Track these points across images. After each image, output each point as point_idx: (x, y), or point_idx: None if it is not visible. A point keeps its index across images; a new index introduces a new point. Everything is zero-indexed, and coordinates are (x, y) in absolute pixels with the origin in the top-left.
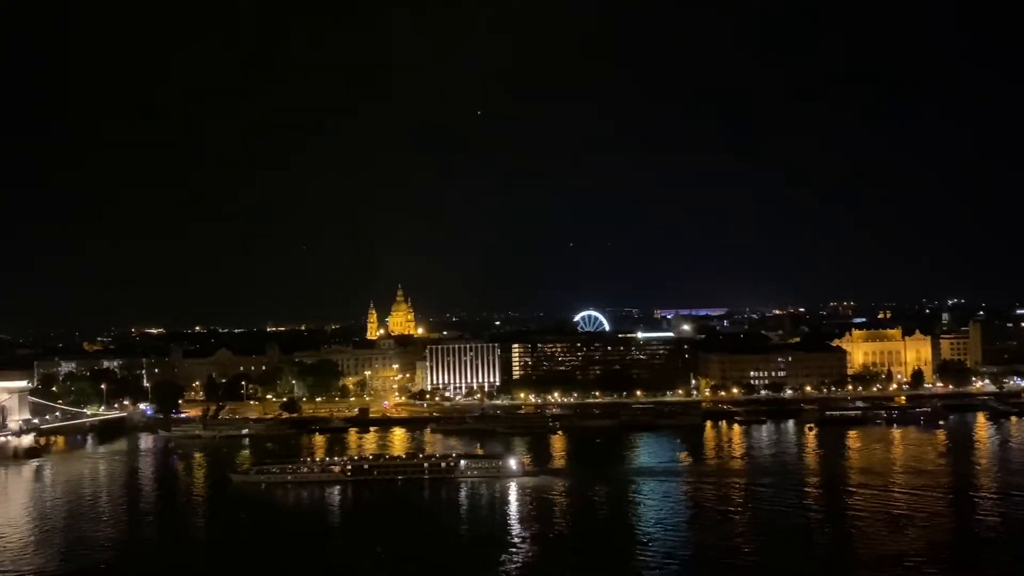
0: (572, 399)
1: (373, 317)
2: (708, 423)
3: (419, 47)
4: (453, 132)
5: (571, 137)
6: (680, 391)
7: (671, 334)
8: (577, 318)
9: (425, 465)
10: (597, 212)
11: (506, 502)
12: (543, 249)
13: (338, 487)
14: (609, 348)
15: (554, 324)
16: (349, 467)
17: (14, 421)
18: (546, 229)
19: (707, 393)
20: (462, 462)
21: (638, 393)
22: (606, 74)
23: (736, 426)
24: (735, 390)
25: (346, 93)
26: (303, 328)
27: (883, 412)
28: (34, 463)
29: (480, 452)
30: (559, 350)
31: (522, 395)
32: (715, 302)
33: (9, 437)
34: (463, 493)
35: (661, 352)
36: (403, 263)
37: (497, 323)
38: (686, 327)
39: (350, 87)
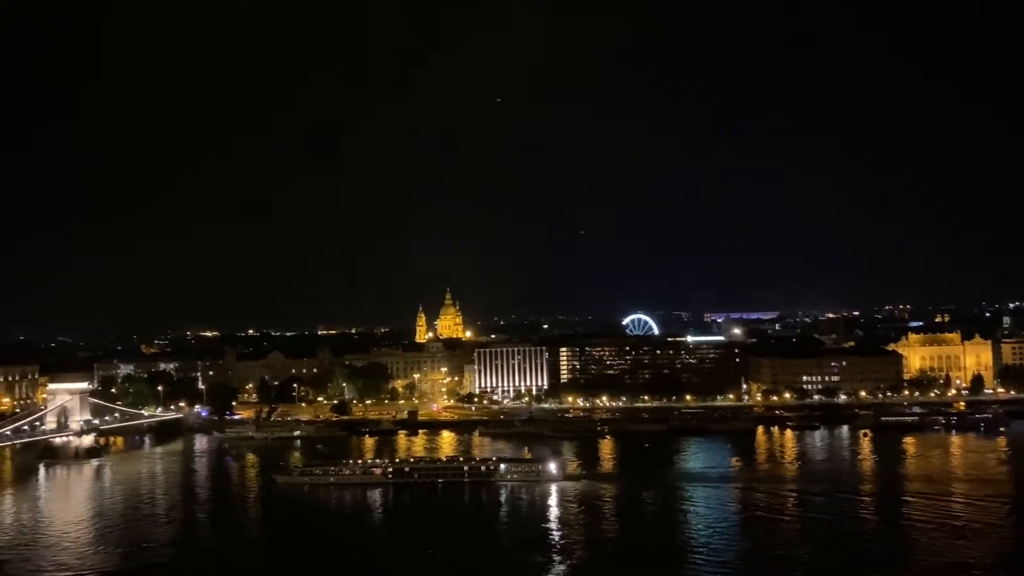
0: (620, 403)
1: (422, 320)
2: (759, 428)
3: (458, 42)
4: (495, 129)
5: (616, 136)
6: (731, 395)
7: (721, 338)
8: (626, 321)
9: (465, 468)
10: (642, 213)
11: (546, 506)
12: (592, 252)
13: (379, 489)
14: (658, 352)
15: (602, 327)
16: (390, 470)
17: (75, 422)
18: (595, 231)
19: (758, 398)
20: (502, 465)
21: (688, 397)
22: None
23: (788, 431)
24: (787, 395)
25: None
26: (353, 331)
27: (941, 418)
28: (94, 462)
29: (527, 456)
30: (607, 353)
31: (570, 399)
32: (767, 305)
33: (71, 437)
34: (503, 496)
35: (711, 356)
36: (451, 266)
37: (545, 326)
38: (737, 331)
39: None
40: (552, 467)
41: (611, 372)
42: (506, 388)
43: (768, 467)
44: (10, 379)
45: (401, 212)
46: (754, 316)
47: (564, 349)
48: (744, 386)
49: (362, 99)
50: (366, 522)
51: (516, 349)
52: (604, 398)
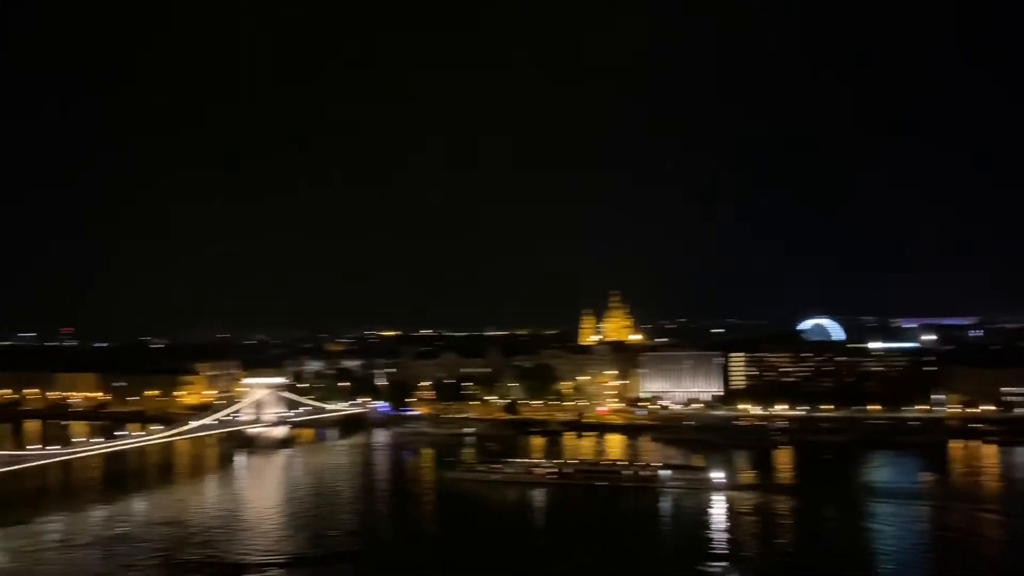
0: (799, 412)
1: (588, 323)
2: (954, 442)
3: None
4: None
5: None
6: (921, 407)
7: (912, 344)
8: (804, 326)
9: (626, 472)
10: (828, 213)
11: (711, 516)
12: (769, 255)
13: (541, 489)
14: (841, 359)
15: (779, 333)
16: (552, 470)
17: (269, 414)
18: (770, 233)
19: (954, 409)
20: (664, 472)
21: (873, 408)
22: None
23: (988, 446)
24: (987, 407)
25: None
26: (521, 333)
27: None
28: (286, 452)
29: (698, 463)
30: (785, 360)
31: (744, 406)
32: (964, 311)
33: (265, 429)
34: (664, 503)
35: (900, 364)
36: (619, 268)
37: (717, 330)
38: (929, 337)
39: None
40: (717, 475)
41: (788, 379)
42: (675, 393)
43: (964, 484)
44: (213, 374)
45: (570, 214)
46: (949, 322)
47: (737, 354)
48: (937, 397)
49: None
50: (527, 521)
51: (686, 353)
52: (780, 406)
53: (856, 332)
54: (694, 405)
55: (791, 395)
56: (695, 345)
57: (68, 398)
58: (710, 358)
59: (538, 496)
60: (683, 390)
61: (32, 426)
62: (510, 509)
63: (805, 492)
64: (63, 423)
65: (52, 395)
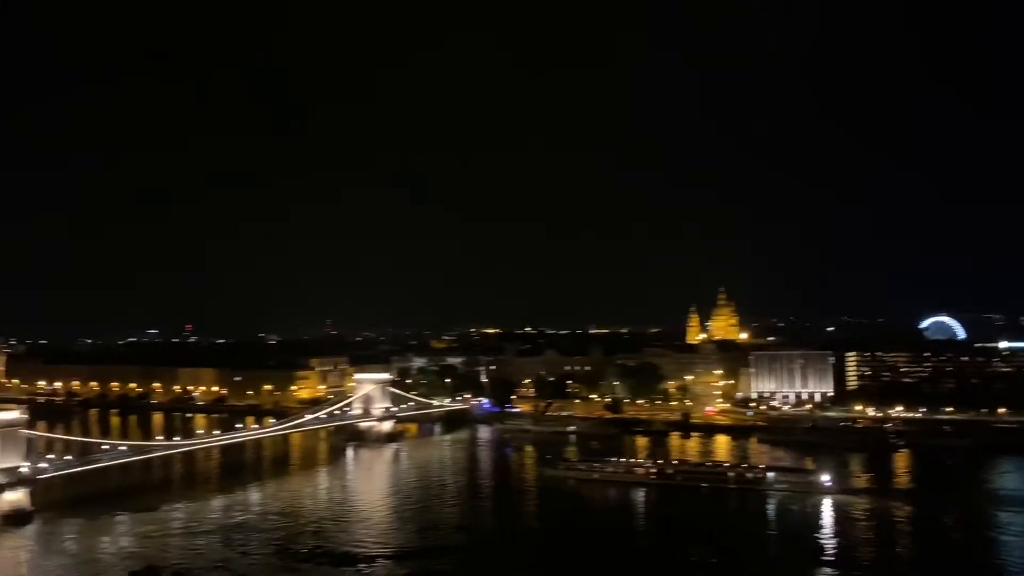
0: (918, 414)
1: (694, 321)
2: None
3: None
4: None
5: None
6: None
7: None
8: (924, 325)
9: (731, 474)
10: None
11: (819, 520)
12: (885, 250)
13: (642, 489)
14: (964, 359)
15: (896, 331)
16: (653, 470)
17: (377, 409)
18: (889, 228)
19: None
20: (770, 474)
21: (1001, 411)
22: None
23: None
24: None
25: None
26: (624, 331)
27: None
28: (393, 446)
29: (809, 466)
30: (902, 360)
31: (858, 408)
32: None
33: (373, 423)
34: (771, 506)
35: None
36: (726, 265)
37: (829, 329)
38: None
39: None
40: (826, 479)
41: (907, 380)
42: (785, 394)
43: None
44: (325, 369)
45: (674, 212)
46: None
47: (852, 354)
48: None
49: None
50: (629, 520)
51: (797, 353)
52: (898, 408)
53: (982, 330)
54: (806, 406)
55: (909, 396)
56: (806, 344)
57: (190, 392)
58: (822, 357)
59: (639, 496)
60: (793, 390)
61: (158, 418)
62: (610, 508)
63: (924, 498)
64: (186, 415)
65: (175, 389)
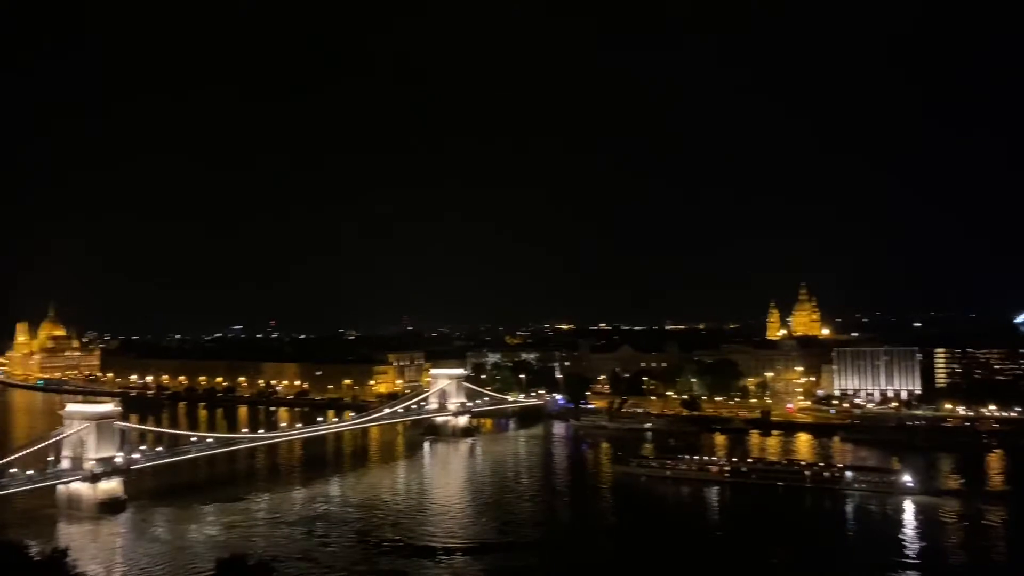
0: (1012, 414)
1: (774, 316)
2: None
3: None
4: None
5: None
6: None
7: None
8: (1020, 319)
9: (807, 473)
10: None
11: (901, 521)
12: (977, 244)
13: (716, 487)
14: None
15: (989, 327)
16: (727, 468)
17: (453, 403)
18: (979, 221)
19: None
20: (848, 473)
21: None
22: None
23: None
24: None
25: None
26: (701, 327)
27: None
28: (468, 440)
29: (888, 465)
30: (996, 356)
31: (947, 406)
32: None
33: (449, 417)
34: (849, 507)
35: None
36: (806, 259)
37: (916, 324)
38: None
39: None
40: (908, 479)
41: (1001, 377)
42: (870, 391)
43: None
44: (402, 364)
45: (755, 210)
46: None
47: (941, 350)
48: None
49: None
50: (704, 519)
51: (882, 349)
52: (991, 407)
53: None
54: (892, 404)
55: (1003, 395)
56: (893, 340)
57: (273, 386)
58: (909, 353)
59: (712, 494)
60: (878, 388)
61: (243, 411)
62: (683, 505)
63: (1020, 501)
64: (269, 409)
65: (259, 383)
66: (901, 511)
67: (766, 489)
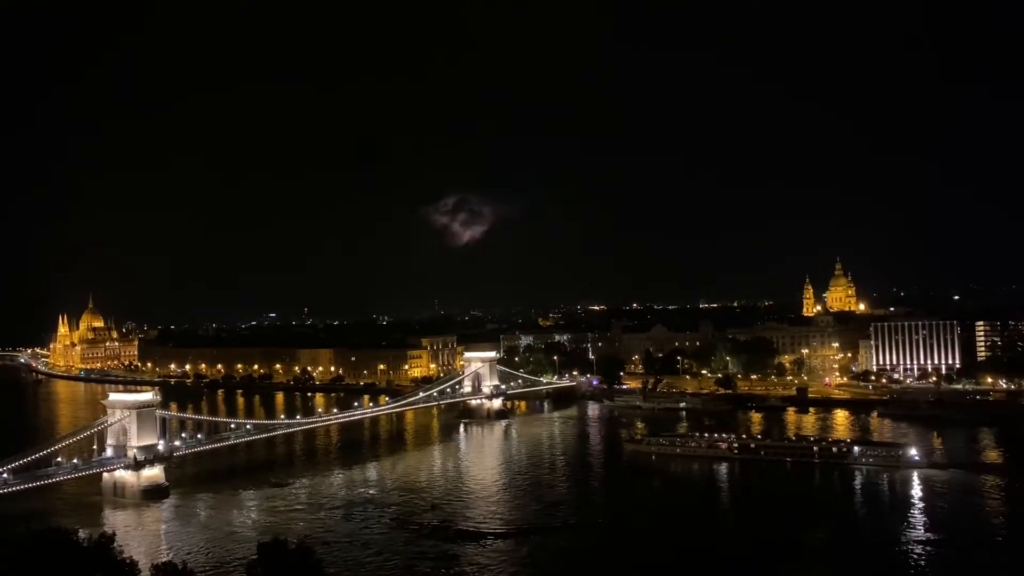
0: None
1: (809, 293)
2: None
3: None
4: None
5: None
6: None
7: None
8: None
9: (815, 449)
10: None
11: (909, 496)
12: (1018, 221)
13: (725, 464)
14: None
15: None
16: (736, 445)
17: (487, 386)
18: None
19: None
20: (856, 448)
21: None
22: None
23: None
24: None
25: None
26: (735, 305)
27: None
28: (503, 423)
29: (938, 442)
30: None
31: (989, 380)
32: None
33: (483, 400)
34: (857, 481)
35: None
36: (842, 233)
37: (956, 297)
38: None
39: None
40: (914, 452)
41: None
42: (908, 366)
43: None
44: (435, 347)
45: (777, 186)
46: None
47: (981, 323)
48: None
49: None
50: (715, 496)
51: (921, 323)
52: None
53: None
54: (931, 379)
55: None
56: (932, 314)
57: (309, 372)
58: (948, 327)
59: (723, 470)
60: (916, 363)
61: (279, 398)
62: (691, 482)
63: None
64: (306, 395)
65: (295, 369)
66: (910, 484)
67: (775, 465)
